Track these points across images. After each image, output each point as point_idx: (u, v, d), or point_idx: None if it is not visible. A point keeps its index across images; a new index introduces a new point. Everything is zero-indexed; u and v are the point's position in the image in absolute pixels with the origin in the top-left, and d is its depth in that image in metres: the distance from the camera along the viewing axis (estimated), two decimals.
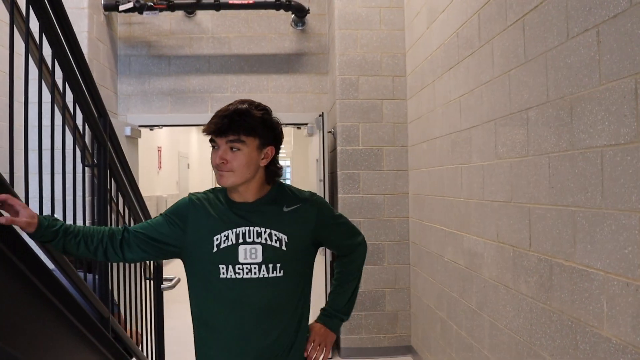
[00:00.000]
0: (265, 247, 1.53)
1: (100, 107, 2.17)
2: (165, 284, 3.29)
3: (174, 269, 3.54)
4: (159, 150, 9.09)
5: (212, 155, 1.53)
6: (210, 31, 5.18)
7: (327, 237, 1.68)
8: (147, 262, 3.22)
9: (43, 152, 1.78)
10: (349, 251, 1.76)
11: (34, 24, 1.62)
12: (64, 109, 1.91)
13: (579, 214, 1.88)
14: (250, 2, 4.82)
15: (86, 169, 2.40)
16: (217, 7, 4.80)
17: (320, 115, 4.64)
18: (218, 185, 1.62)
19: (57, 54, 1.76)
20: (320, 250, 1.94)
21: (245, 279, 1.52)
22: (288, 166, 12.77)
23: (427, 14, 3.84)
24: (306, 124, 5.00)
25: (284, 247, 1.55)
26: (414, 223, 4.41)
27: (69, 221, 1.64)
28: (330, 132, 4.77)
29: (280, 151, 1.63)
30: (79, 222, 2.06)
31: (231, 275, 1.52)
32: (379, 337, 4.56)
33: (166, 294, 3.35)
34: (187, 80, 5.16)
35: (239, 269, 1.52)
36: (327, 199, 4.48)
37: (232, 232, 1.54)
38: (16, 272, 1.39)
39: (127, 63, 5.13)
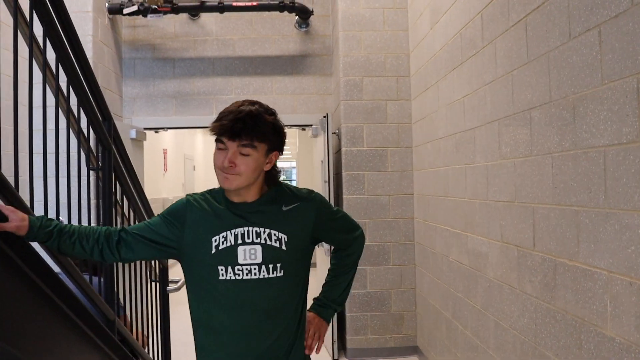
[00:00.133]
0: (264, 247, 1.51)
1: (105, 110, 2.17)
2: (171, 286, 3.30)
3: (179, 271, 3.53)
4: (165, 153, 9.11)
5: (217, 156, 1.49)
6: (214, 33, 5.20)
7: (326, 233, 1.66)
8: (153, 264, 3.23)
9: (48, 155, 1.79)
10: (347, 245, 1.75)
11: (38, 28, 1.63)
12: (68, 112, 1.93)
13: (582, 214, 1.87)
14: (254, 4, 4.83)
15: (91, 172, 2.42)
16: (221, 9, 4.82)
17: (324, 117, 4.63)
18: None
19: (61, 58, 1.77)
20: (323, 250, 1.94)
21: (245, 280, 1.49)
22: (294, 167, 12.77)
23: (431, 14, 3.84)
24: (311, 125, 5.00)
25: (284, 247, 1.52)
26: (419, 223, 4.40)
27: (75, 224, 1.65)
28: (334, 133, 4.76)
29: (286, 152, 1.62)
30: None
31: (231, 277, 1.49)
32: (385, 337, 4.56)
33: (172, 296, 3.36)
34: (192, 82, 5.18)
35: (238, 270, 1.49)
36: (332, 200, 4.48)
37: (231, 233, 1.51)
38: (19, 273, 1.40)
39: (132, 66, 5.16)
